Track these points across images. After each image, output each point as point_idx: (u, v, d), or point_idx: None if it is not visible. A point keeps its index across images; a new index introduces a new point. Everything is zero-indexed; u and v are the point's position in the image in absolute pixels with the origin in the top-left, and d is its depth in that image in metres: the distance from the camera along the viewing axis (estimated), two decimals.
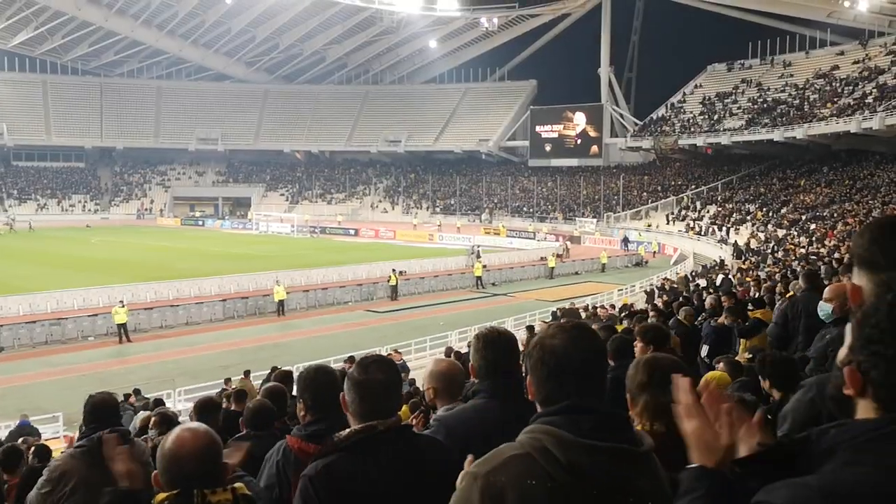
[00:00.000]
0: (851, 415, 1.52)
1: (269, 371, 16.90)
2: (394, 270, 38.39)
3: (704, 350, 8.92)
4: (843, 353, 1.55)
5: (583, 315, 19.91)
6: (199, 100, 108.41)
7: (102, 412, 4.29)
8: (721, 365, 6.25)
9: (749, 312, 9.76)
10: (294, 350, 25.91)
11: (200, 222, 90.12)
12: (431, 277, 41.67)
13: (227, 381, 17.25)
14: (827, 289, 4.93)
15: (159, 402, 12.62)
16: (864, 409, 1.50)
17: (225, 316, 31.99)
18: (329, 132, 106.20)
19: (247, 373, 17.81)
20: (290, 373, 7.47)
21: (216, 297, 34.23)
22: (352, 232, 75.81)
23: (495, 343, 3.12)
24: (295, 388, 3.71)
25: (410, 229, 76.06)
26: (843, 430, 1.49)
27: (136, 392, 16.81)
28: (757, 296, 13.45)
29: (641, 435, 2.05)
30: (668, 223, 66.80)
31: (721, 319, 9.49)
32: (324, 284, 38.36)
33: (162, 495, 2.50)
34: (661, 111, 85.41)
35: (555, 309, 25.04)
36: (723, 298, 10.84)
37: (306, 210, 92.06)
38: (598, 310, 21.55)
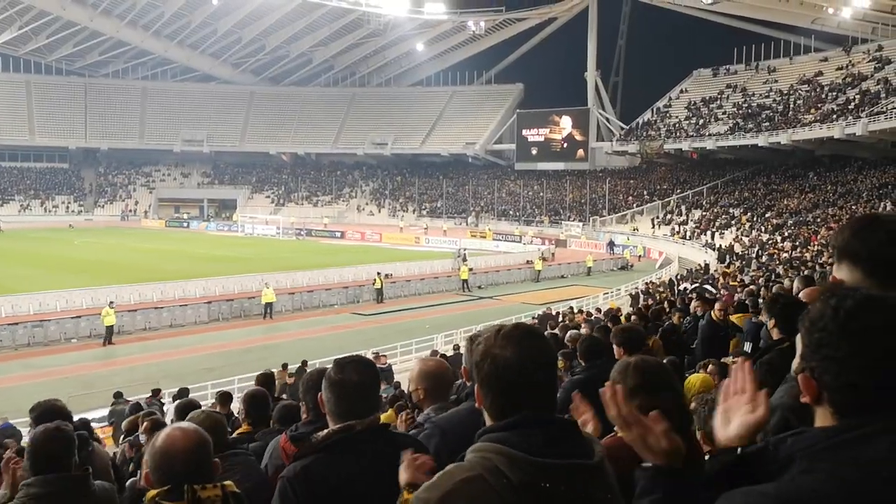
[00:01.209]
0: (811, 423, 1.53)
1: (300, 365, 18.72)
2: (379, 273, 38.35)
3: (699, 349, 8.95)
4: (796, 361, 1.54)
5: (560, 319, 19.94)
6: (184, 101, 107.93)
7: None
8: (710, 368, 6.22)
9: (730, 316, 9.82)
10: (281, 352, 25.86)
11: (185, 224, 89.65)
12: (417, 280, 41.67)
13: (284, 366, 18.85)
14: (803, 292, 4.97)
15: (137, 407, 12.56)
16: (822, 417, 1.50)
17: (210, 318, 31.84)
18: (315, 134, 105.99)
19: (284, 366, 18.76)
20: (271, 375, 7.47)
21: (201, 299, 34.07)
22: (338, 234, 75.64)
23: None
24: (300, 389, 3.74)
25: (397, 232, 75.99)
26: (800, 438, 1.49)
27: (118, 395, 16.71)
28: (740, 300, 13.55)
29: (592, 442, 2.01)
30: (653, 227, 67.15)
31: (716, 313, 9.42)
32: (310, 287, 38.25)
33: (153, 492, 2.52)
34: (647, 115, 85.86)
35: (538, 313, 25.12)
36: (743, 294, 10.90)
37: (292, 212, 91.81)
38: (576, 315, 21.63)
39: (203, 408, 6.44)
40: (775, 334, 4.50)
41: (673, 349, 8.70)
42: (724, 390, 1.84)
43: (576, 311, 26.91)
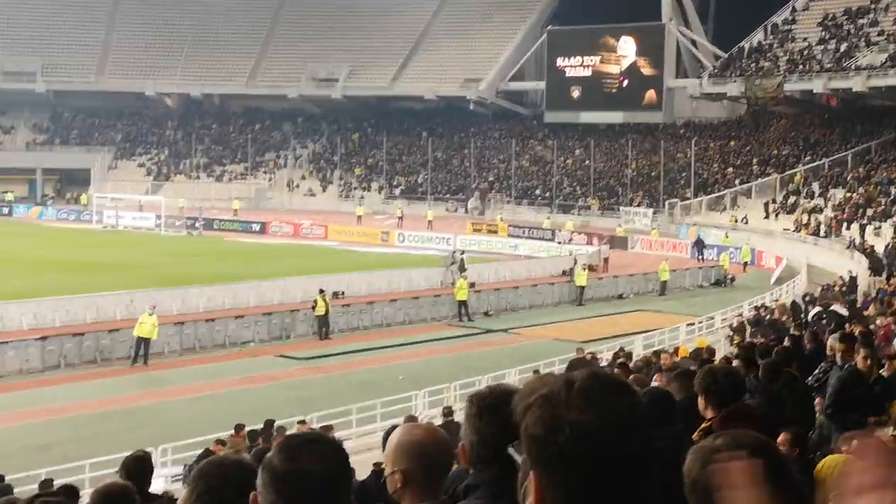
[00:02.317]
0: None
1: (264, 425, 20.14)
2: (322, 292, 38.25)
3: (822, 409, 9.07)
4: None
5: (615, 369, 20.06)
6: (5, 10, 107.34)
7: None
8: (853, 444, 6.30)
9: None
10: (160, 420, 25.63)
11: (5, 210, 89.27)
12: (385, 303, 41.61)
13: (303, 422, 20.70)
14: None
15: None
16: None
17: (45, 365, 31.66)
18: (220, 64, 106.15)
19: (238, 428, 20.36)
20: (146, 460, 7.41)
21: (30, 333, 33.85)
22: (255, 227, 75.48)
23: (499, 411, 3.10)
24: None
25: (352, 223, 75.92)
26: None
27: None
28: None
29: None
30: (767, 217, 67.36)
31: (858, 362, 9.56)
32: (209, 313, 38.11)
33: None
34: (758, 37, 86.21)
35: (574, 356, 25.13)
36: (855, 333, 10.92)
37: (182, 190, 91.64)
38: (638, 360, 21.63)
39: None
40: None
41: (797, 412, 8.75)
42: (854, 477, 1.91)
43: (639, 354, 26.89)
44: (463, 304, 41.80)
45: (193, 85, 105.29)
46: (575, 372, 2.23)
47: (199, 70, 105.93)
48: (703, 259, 59.50)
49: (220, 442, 18.84)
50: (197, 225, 75.18)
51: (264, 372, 32.19)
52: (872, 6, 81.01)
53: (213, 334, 35.70)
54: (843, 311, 25.40)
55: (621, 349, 26.72)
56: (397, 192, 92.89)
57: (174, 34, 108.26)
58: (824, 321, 24.40)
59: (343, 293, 42.91)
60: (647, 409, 2.22)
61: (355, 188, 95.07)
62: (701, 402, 5.69)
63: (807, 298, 35.46)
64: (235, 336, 35.95)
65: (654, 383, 11.03)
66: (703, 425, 5.56)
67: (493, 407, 3.18)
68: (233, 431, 20.36)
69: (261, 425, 20.35)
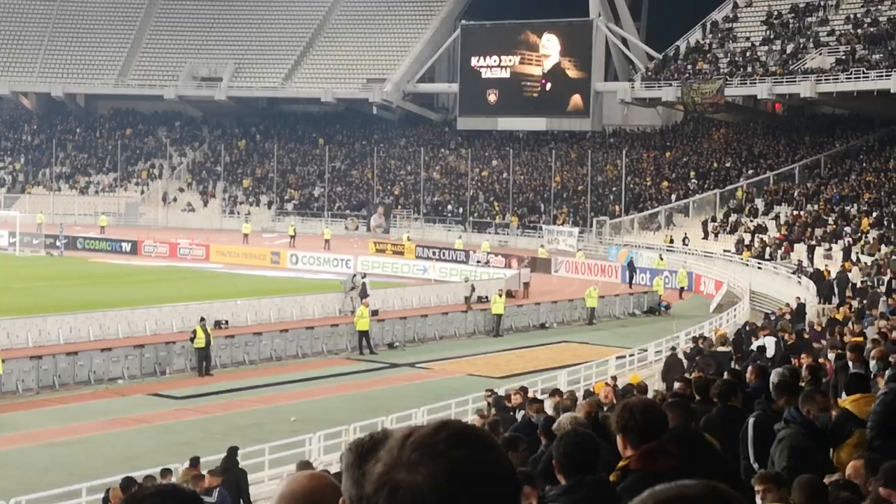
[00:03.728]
0: None
1: (227, 454, 21.28)
2: (203, 321, 37.90)
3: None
4: None
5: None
6: None
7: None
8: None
9: (838, 400, 10.03)
10: (9, 470, 25.09)
11: None
12: (275, 333, 41.31)
13: None
14: None
15: None
16: None
17: None
18: (85, 60, 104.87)
19: (194, 462, 20.91)
20: None
21: None
22: (125, 247, 74.50)
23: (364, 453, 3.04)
24: None
25: (238, 243, 75.42)
26: None
27: None
28: (855, 369, 13.76)
29: None
30: (706, 237, 68.31)
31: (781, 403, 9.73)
32: (71, 345, 37.49)
33: None
34: (696, 36, 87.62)
35: (490, 393, 25.12)
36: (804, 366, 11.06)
37: (39, 204, 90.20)
38: (552, 398, 21.71)
39: None
40: None
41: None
42: None
43: (565, 393, 26.96)
44: (364, 334, 41.60)
45: (54, 83, 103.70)
46: (432, 421, 2.20)
47: (60, 66, 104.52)
48: (632, 284, 59.94)
49: (192, 462, 20.12)
50: (58, 244, 73.91)
51: (134, 413, 31.70)
52: (822, 3, 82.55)
53: (76, 370, 35.08)
54: (771, 346, 25.89)
55: (521, 390, 26.61)
56: (290, 207, 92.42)
57: (31, 24, 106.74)
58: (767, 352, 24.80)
59: (227, 323, 42.45)
60: (508, 469, 2.18)
61: (241, 203, 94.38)
62: (619, 440, 5.74)
63: (747, 327, 35.93)
64: (101, 372, 35.36)
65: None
66: (621, 464, 5.62)
67: (371, 454, 3.11)
68: (187, 464, 20.95)
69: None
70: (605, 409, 15.73)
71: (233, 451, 21.36)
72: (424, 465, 2.07)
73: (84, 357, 35.66)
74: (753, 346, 28.87)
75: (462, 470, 2.07)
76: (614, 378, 26.34)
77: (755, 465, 9.04)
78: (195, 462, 20.98)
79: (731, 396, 10.80)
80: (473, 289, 51.29)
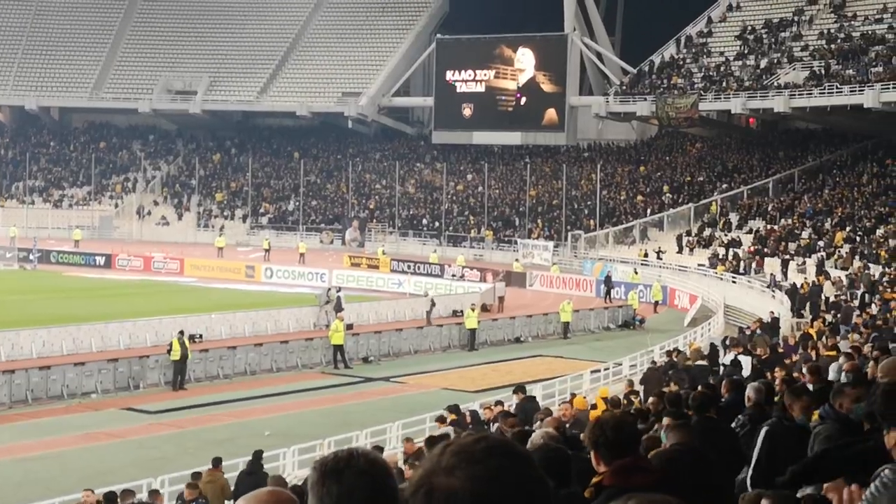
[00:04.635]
0: None
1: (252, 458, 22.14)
2: (182, 334, 37.79)
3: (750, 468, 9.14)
4: None
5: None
6: None
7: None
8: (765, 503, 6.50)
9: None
10: None
11: None
12: (249, 347, 41.21)
13: None
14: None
15: None
16: None
17: None
18: (59, 73, 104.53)
19: (216, 462, 21.53)
20: None
21: None
22: (99, 260, 74.24)
23: (341, 477, 3.04)
24: None
25: (212, 256, 75.29)
26: None
27: None
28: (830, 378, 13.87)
29: None
30: (680, 251, 68.54)
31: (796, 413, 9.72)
32: (44, 359, 37.30)
33: None
34: (670, 51, 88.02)
35: (447, 411, 25.00)
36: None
37: (12, 217, 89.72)
38: (563, 407, 21.82)
39: None
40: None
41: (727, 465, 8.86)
42: None
43: (542, 414, 26.96)
44: (339, 348, 41.56)
45: (28, 96, 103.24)
46: (463, 434, 2.28)
47: (34, 79, 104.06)
48: (610, 299, 60.03)
49: (192, 485, 19.80)
50: (31, 257, 73.65)
51: (108, 428, 31.58)
52: (795, 18, 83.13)
53: (49, 384, 34.91)
54: (746, 365, 25.94)
55: (496, 404, 26.40)
56: (264, 220, 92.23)
57: (5, 37, 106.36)
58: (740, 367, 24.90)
59: (201, 336, 42.32)
60: (537, 471, 2.26)
61: (216, 216, 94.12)
62: (592, 456, 5.77)
63: (725, 342, 36.06)
64: (75, 386, 35.20)
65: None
66: (594, 480, 5.65)
67: (335, 473, 3.10)
68: (210, 466, 21.68)
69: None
70: (567, 425, 15.87)
71: (258, 455, 21.81)
72: (462, 469, 2.16)
73: (57, 371, 35.51)
74: (725, 360, 29.01)
75: (496, 477, 2.16)
76: (573, 395, 26.39)
77: (750, 477, 9.00)
78: (217, 462, 21.83)
79: (708, 408, 10.84)
80: (433, 303, 51.26)
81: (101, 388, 35.72)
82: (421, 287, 61.63)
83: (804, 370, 16.47)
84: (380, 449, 20.12)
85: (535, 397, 25.49)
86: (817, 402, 10.39)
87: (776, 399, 12.25)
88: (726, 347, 33.68)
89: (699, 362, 29.80)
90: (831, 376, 14.98)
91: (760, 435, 9.42)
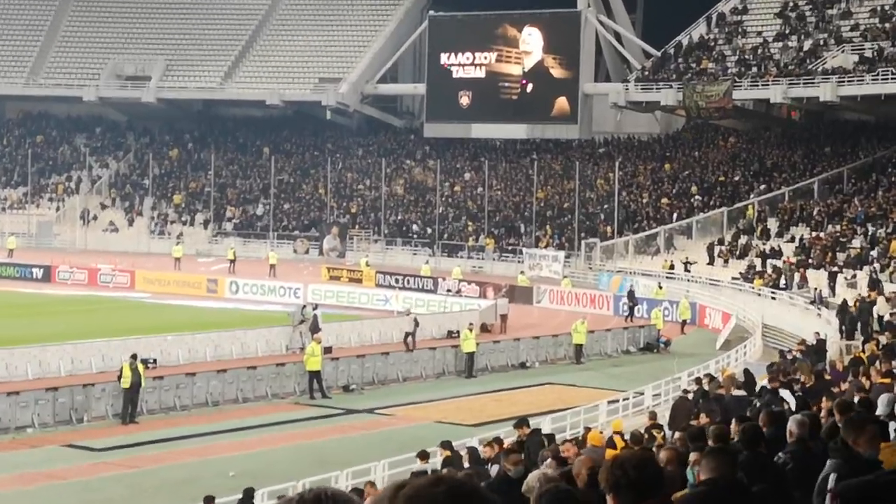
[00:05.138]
0: None
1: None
2: (134, 359, 37.70)
3: None
4: None
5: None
6: None
7: None
8: None
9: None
10: None
11: None
12: (211, 374, 41.11)
13: None
14: None
15: None
16: None
17: None
18: None
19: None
20: None
21: None
22: (37, 272, 74.17)
23: None
24: None
25: (168, 268, 75.24)
26: None
27: None
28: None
29: None
30: (711, 263, 68.50)
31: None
32: None
33: None
34: (700, 30, 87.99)
35: (441, 448, 25.00)
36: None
37: None
38: (564, 446, 21.85)
39: None
40: None
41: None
42: None
43: (549, 449, 26.91)
44: (315, 375, 41.46)
45: None
46: (420, 477, 2.25)
47: None
48: (632, 317, 59.83)
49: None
50: None
51: (47, 468, 31.51)
52: None
53: None
54: (790, 399, 25.88)
55: (495, 441, 26.52)
56: (229, 227, 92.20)
57: None
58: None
59: (155, 362, 42.18)
60: None
61: (173, 222, 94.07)
62: (610, 501, 5.70)
63: (773, 368, 36.01)
64: (8, 420, 35.11)
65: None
66: None
67: None
68: None
69: None
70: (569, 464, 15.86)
71: (249, 493, 22.14)
72: None
73: None
74: (762, 384, 28.89)
75: None
76: (587, 429, 26.36)
77: None
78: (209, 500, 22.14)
79: (759, 443, 10.86)
80: (417, 323, 50.85)
81: (39, 421, 35.58)
82: (410, 304, 61.62)
83: (835, 408, 16.43)
84: (359, 492, 20.05)
85: (540, 430, 25.44)
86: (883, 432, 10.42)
87: (821, 433, 12.25)
88: (775, 374, 33.63)
89: (736, 392, 29.76)
90: (880, 410, 14.89)
91: (830, 483, 9.40)
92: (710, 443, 11.83)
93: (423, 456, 23.60)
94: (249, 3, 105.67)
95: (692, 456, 11.12)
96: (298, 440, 35.37)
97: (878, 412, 14.64)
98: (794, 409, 23.97)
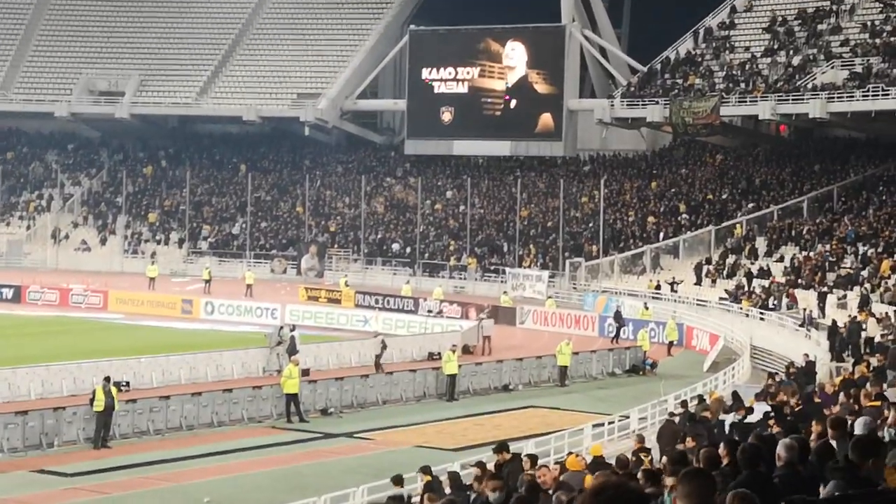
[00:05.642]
0: None
1: None
2: (107, 381, 37.60)
3: None
4: None
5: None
6: None
7: None
8: None
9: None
10: None
11: None
12: (186, 397, 41.00)
13: None
14: None
15: None
16: None
17: None
18: None
19: None
20: None
21: None
22: (6, 293, 73.94)
23: None
24: None
25: (142, 288, 75.13)
26: None
27: None
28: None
29: None
30: (699, 282, 68.58)
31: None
32: None
33: None
34: (687, 45, 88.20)
35: (421, 473, 24.88)
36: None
37: None
38: (540, 471, 21.81)
39: None
40: None
41: None
42: None
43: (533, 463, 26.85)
44: (293, 398, 41.39)
45: None
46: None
47: None
48: (617, 339, 59.91)
49: None
50: None
51: (16, 493, 31.32)
52: (833, 8, 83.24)
53: None
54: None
55: (479, 465, 26.44)
56: (204, 246, 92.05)
57: None
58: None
59: (128, 384, 42.07)
60: None
61: (147, 241, 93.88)
62: None
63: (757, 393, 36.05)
64: None
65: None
66: None
67: None
68: None
69: None
70: (550, 491, 15.90)
71: None
72: None
73: None
74: (751, 407, 28.94)
75: None
76: (570, 454, 26.31)
77: None
78: None
79: (758, 461, 10.90)
80: (384, 346, 50.71)
81: (8, 446, 35.45)
82: (391, 325, 61.57)
83: (828, 426, 16.46)
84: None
85: (520, 455, 25.39)
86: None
87: (810, 456, 12.27)
88: (763, 396, 33.67)
89: (723, 416, 29.78)
90: (858, 431, 14.92)
91: None
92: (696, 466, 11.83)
93: (397, 481, 23.58)
94: (226, 17, 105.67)
95: (668, 480, 11.17)
96: (275, 465, 35.18)
97: (857, 432, 14.70)
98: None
